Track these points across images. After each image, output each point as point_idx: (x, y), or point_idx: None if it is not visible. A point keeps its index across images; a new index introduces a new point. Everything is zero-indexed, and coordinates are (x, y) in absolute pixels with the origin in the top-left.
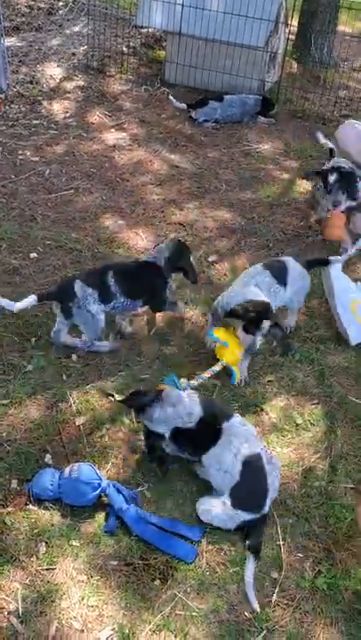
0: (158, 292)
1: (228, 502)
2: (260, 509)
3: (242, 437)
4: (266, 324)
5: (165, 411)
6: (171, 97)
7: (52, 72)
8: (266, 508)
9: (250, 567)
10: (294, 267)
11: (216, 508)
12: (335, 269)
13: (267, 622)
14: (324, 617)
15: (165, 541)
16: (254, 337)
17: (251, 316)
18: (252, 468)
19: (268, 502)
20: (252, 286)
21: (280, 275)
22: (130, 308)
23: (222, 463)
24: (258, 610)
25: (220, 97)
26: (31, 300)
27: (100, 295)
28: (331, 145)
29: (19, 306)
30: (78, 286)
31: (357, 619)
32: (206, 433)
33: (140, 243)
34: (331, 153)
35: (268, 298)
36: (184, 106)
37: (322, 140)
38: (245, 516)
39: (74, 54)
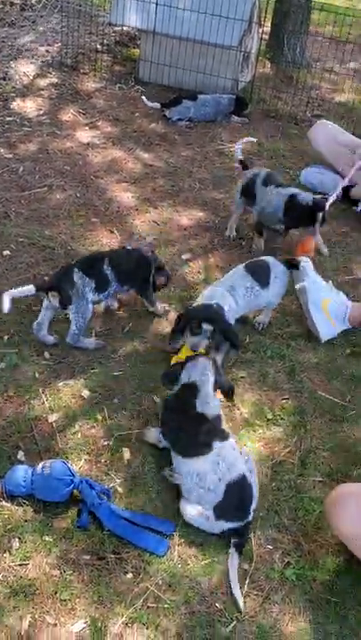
0: (147, 277)
1: (212, 516)
2: (245, 518)
3: (230, 461)
4: (206, 326)
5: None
6: (143, 97)
7: (26, 69)
8: (250, 517)
9: (233, 564)
10: (276, 265)
11: (201, 517)
12: (307, 268)
13: (237, 612)
14: (293, 607)
15: (137, 535)
16: (196, 339)
17: (190, 318)
18: (237, 488)
19: (253, 510)
20: (219, 288)
21: (262, 276)
22: (118, 292)
23: (204, 481)
24: (243, 610)
25: (194, 96)
26: (29, 288)
27: (96, 284)
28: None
29: (14, 292)
30: (77, 275)
31: (325, 608)
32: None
33: (114, 240)
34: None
35: (240, 300)
36: (157, 105)
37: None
38: (230, 525)
39: (47, 51)
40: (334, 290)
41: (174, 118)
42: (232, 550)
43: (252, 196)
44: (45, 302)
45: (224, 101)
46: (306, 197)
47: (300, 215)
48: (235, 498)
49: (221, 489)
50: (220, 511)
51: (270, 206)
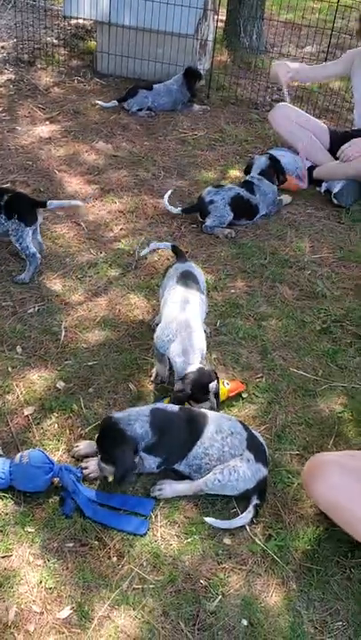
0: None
1: (252, 456)
2: (267, 464)
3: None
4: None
5: None
6: (98, 101)
7: None
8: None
9: (239, 522)
10: (198, 270)
11: (242, 467)
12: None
13: (222, 587)
14: (276, 577)
15: (116, 519)
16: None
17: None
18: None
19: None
20: (194, 327)
21: (198, 284)
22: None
23: (223, 431)
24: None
25: (150, 86)
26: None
27: None
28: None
29: None
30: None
31: (308, 576)
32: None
33: (81, 232)
34: None
35: (201, 316)
36: (115, 103)
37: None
38: (264, 472)
39: (3, 47)
40: None
41: (134, 109)
42: (250, 509)
43: None
44: None
45: (175, 87)
46: None
47: None
48: (256, 442)
49: (243, 433)
50: (256, 453)
51: None
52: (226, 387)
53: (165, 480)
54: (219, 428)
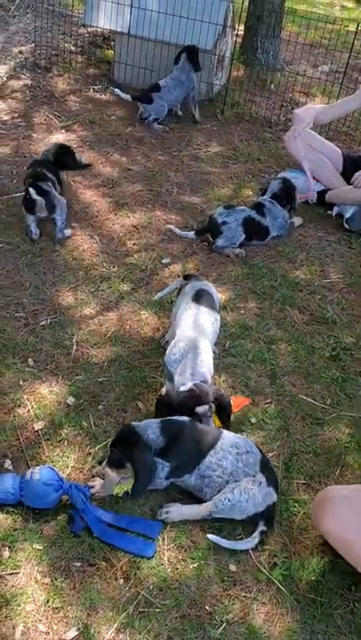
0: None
1: (264, 480)
2: (278, 490)
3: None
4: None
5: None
6: (116, 89)
7: None
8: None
9: (244, 546)
10: (213, 289)
11: (253, 490)
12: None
13: (226, 615)
14: (280, 607)
15: (123, 540)
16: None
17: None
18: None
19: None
20: (202, 349)
21: (213, 303)
22: None
23: (239, 448)
24: None
25: (157, 86)
26: None
27: None
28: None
29: None
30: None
31: (312, 607)
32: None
33: (95, 245)
34: None
35: (213, 336)
36: (129, 98)
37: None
38: (274, 497)
39: (20, 52)
40: None
41: (151, 119)
42: (256, 535)
43: None
44: None
45: (183, 77)
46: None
47: None
48: (269, 466)
49: (257, 455)
50: (268, 477)
51: None
52: None
53: (172, 503)
54: (235, 443)
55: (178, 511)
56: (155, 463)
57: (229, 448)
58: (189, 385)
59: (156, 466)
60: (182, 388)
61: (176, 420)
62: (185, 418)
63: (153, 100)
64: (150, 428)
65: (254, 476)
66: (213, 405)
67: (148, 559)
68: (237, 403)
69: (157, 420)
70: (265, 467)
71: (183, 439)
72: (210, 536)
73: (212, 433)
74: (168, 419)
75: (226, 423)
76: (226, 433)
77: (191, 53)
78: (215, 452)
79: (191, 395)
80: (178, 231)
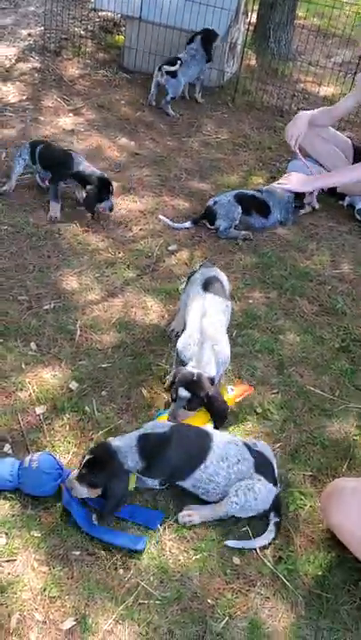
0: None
1: (262, 478)
2: (277, 483)
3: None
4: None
5: None
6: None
7: (7, 52)
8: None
9: (260, 542)
10: (223, 276)
11: (256, 485)
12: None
13: (229, 609)
14: (284, 602)
15: (112, 535)
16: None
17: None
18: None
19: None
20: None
21: (224, 290)
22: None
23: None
24: None
25: (174, 60)
26: None
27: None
28: None
29: None
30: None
31: (317, 603)
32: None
33: (100, 230)
34: None
35: (224, 322)
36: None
37: None
38: (276, 490)
39: (30, 35)
40: None
41: (168, 99)
42: (271, 528)
43: None
44: None
45: (198, 55)
46: None
47: None
48: (264, 463)
49: (250, 459)
50: (265, 474)
51: None
52: (230, 393)
53: (192, 506)
54: (225, 455)
55: (199, 514)
56: (127, 495)
57: (220, 462)
58: (196, 371)
59: (127, 498)
60: (189, 368)
61: (155, 435)
62: (166, 426)
63: (176, 77)
64: (129, 454)
65: (251, 478)
66: (202, 400)
67: (140, 553)
68: (240, 393)
69: (135, 436)
70: (259, 467)
71: (165, 456)
72: (229, 542)
73: (199, 443)
74: (146, 433)
75: (216, 425)
76: (215, 441)
77: (206, 39)
78: (205, 468)
79: (188, 378)
80: (170, 222)
